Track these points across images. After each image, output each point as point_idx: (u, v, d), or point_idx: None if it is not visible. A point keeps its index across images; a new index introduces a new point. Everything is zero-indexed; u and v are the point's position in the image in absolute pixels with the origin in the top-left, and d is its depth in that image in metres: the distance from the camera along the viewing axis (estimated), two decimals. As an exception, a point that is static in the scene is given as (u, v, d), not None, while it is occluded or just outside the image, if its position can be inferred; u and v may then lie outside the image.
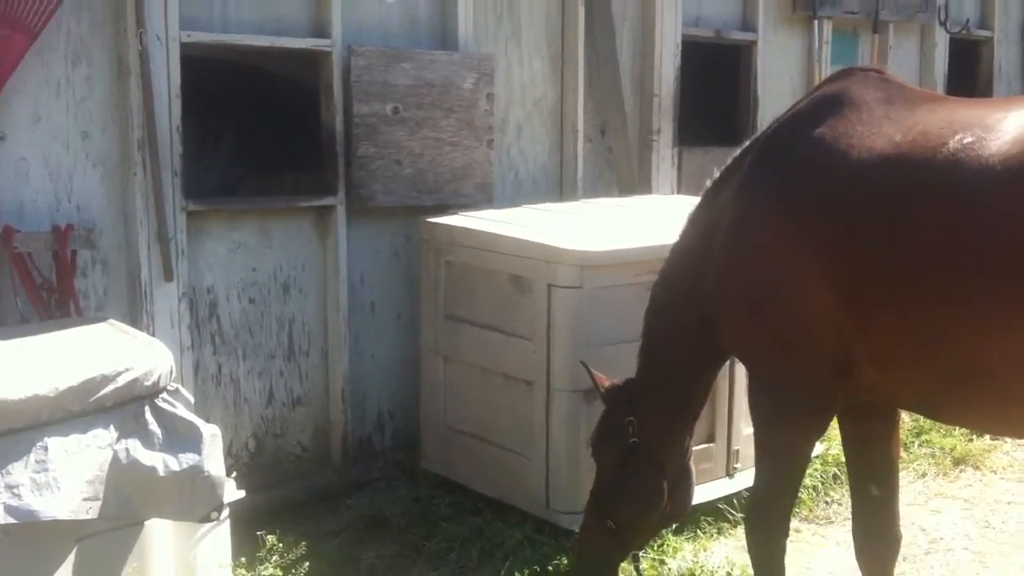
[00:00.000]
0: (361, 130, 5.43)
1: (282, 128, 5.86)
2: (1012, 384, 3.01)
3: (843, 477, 5.51)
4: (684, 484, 4.22)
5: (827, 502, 5.36)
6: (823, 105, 3.47)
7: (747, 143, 3.76)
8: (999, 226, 2.92)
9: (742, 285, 3.52)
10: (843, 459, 5.50)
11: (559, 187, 6.51)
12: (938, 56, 9.20)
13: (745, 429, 5.04)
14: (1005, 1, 9.99)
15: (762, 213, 3.46)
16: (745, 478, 5.15)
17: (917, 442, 6.03)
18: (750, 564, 4.47)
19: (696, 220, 3.88)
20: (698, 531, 4.91)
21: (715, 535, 4.94)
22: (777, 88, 7.82)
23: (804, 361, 3.41)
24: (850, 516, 5.13)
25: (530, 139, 6.40)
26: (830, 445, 5.74)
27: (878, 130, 3.26)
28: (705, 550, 4.76)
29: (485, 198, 5.92)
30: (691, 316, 3.79)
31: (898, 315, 3.14)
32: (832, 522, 5.19)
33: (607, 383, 4.14)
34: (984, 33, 9.79)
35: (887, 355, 3.25)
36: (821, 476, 5.45)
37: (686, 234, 3.92)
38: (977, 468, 5.81)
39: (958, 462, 5.85)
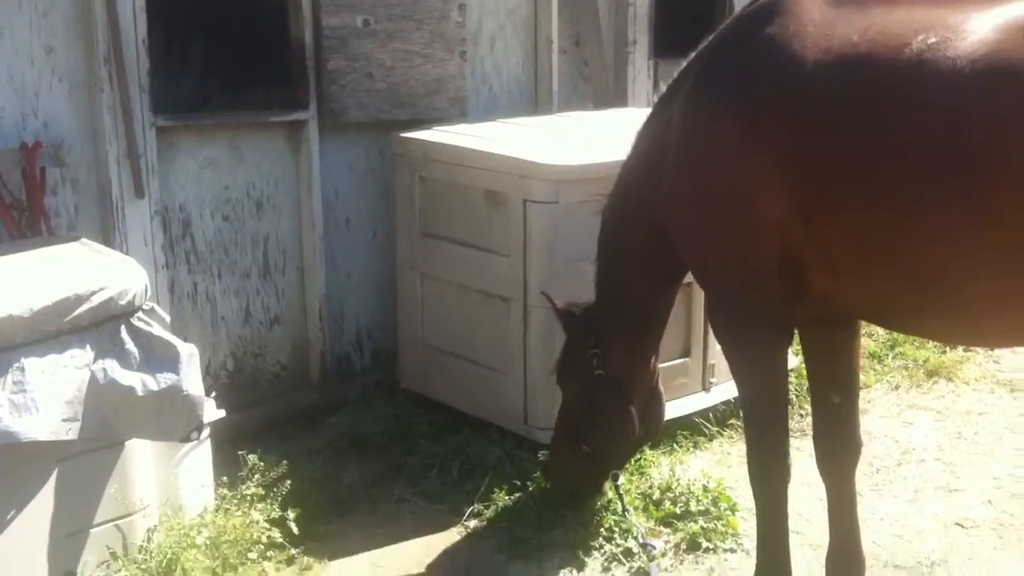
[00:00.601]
0: (331, 43, 5.32)
1: (251, 43, 5.73)
2: (971, 290, 2.98)
3: (817, 390, 5.58)
4: (655, 405, 4.23)
5: (801, 414, 5.40)
6: (771, 8, 3.36)
7: (692, 54, 3.69)
8: (968, 128, 2.87)
9: (695, 192, 3.44)
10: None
11: (534, 100, 6.43)
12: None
13: (721, 343, 5.07)
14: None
15: (713, 118, 3.38)
16: (721, 392, 5.20)
17: (891, 355, 6.09)
18: (726, 478, 4.58)
19: (644, 134, 3.80)
20: (674, 445, 4.96)
21: (691, 448, 4.99)
22: (753, -2, 7.70)
23: (756, 271, 3.34)
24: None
25: (503, 51, 6.30)
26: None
27: (831, 31, 3.18)
28: (681, 463, 4.81)
29: (459, 111, 5.84)
30: (646, 233, 3.73)
31: (857, 218, 3.08)
32: (807, 434, 5.19)
33: (567, 310, 4.11)
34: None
35: (845, 261, 3.19)
36: (796, 389, 5.47)
37: (635, 149, 3.84)
38: (950, 380, 5.88)
39: (931, 374, 5.92)
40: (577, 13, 6.60)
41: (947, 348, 6.09)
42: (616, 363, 4.05)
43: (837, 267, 3.21)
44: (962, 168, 2.88)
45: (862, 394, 5.60)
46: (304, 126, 5.36)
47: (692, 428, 5.06)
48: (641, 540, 4.13)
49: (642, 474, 4.66)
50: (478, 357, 5.05)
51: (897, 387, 5.81)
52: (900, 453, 5.06)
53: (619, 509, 4.31)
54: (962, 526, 4.40)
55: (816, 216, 3.15)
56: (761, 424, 3.56)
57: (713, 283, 3.59)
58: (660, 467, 4.74)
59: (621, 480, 4.35)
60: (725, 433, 5.17)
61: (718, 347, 5.09)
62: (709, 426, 5.11)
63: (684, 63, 3.67)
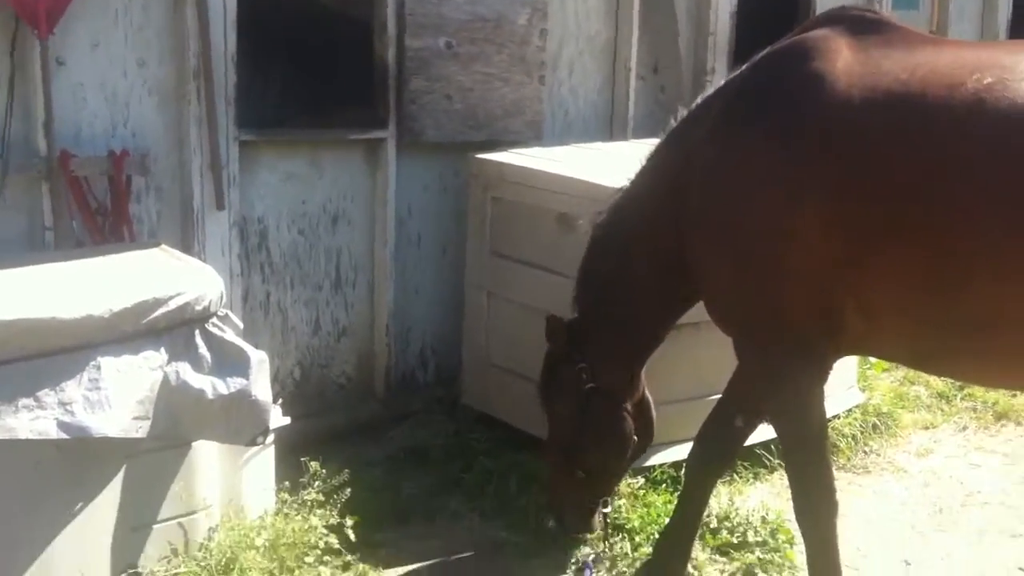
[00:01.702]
0: (413, 64, 5.43)
1: (334, 62, 5.87)
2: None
3: (883, 428, 5.53)
4: (646, 415, 4.13)
5: (865, 451, 5.36)
6: (815, 43, 3.30)
7: (712, 88, 3.62)
8: None
9: (726, 232, 3.37)
10: (883, 409, 5.59)
11: (609, 126, 6.48)
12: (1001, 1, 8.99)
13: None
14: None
15: (747, 154, 3.30)
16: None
17: (959, 395, 6.00)
18: (785, 510, 4.54)
19: (659, 161, 3.73)
20: (735, 476, 4.94)
21: (751, 480, 4.97)
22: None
23: (790, 313, 3.28)
24: (885, 466, 5.21)
25: (582, 76, 6.36)
26: (872, 396, 5.74)
27: (878, 69, 3.13)
28: (741, 494, 4.80)
29: (535, 135, 5.90)
30: (658, 262, 3.68)
31: (910, 262, 3.03)
32: (869, 472, 5.20)
33: (556, 324, 4.02)
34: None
35: (886, 305, 3.14)
36: (860, 425, 5.45)
37: (646, 175, 3.77)
38: (1019, 423, 5.77)
39: (1000, 416, 5.82)
40: (657, 40, 6.64)
41: (1017, 392, 5.98)
42: (607, 376, 3.94)
43: (879, 311, 3.16)
44: None
45: (929, 434, 5.58)
46: (382, 144, 5.47)
47: (752, 458, 5.04)
48: (582, 563, 4.12)
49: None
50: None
51: (964, 428, 5.72)
52: (964, 495, 4.99)
53: (599, 534, 4.24)
54: (1024, 572, 4.33)
55: (863, 260, 3.09)
56: (802, 461, 3.54)
57: (742, 323, 3.52)
58: (719, 496, 4.72)
59: (609, 508, 4.23)
60: (786, 466, 5.14)
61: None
62: (770, 458, 5.08)
63: (704, 96, 3.63)
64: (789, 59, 3.36)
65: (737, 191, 3.33)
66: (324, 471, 4.16)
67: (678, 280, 3.68)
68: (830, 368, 3.51)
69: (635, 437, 4.05)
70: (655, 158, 3.78)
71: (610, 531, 4.26)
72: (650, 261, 3.73)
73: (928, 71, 3.06)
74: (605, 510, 4.18)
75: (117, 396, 3.46)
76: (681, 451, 4.44)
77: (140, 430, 3.54)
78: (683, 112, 3.74)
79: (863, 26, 3.33)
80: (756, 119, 3.35)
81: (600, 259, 3.92)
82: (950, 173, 2.97)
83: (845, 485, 5.04)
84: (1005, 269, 2.92)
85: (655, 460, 4.81)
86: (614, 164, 5.18)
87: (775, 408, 3.58)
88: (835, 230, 3.12)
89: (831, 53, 3.24)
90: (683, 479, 4.03)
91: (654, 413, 4.21)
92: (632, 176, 3.89)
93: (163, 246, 4.39)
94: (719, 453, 3.86)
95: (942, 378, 5.64)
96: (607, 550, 4.24)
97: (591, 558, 4.18)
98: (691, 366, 4.70)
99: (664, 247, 3.65)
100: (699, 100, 3.66)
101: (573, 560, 4.24)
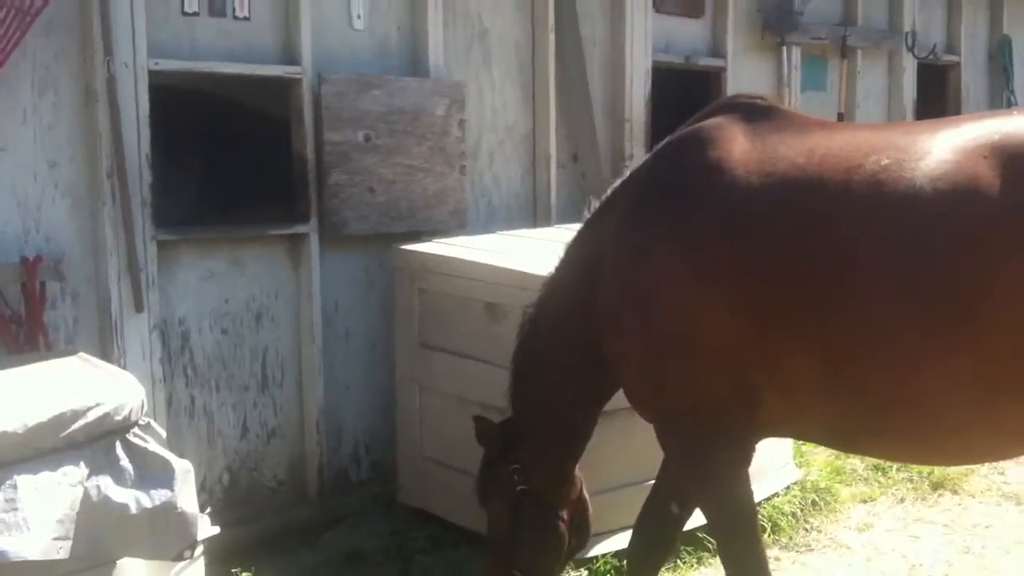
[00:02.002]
0: (332, 158, 5.39)
1: (251, 157, 5.80)
2: (942, 410, 2.95)
3: (822, 504, 5.51)
4: (582, 513, 4.09)
5: (806, 529, 5.32)
6: (711, 132, 3.35)
7: (627, 173, 3.67)
8: (935, 248, 2.86)
9: (635, 318, 3.39)
10: (821, 485, 5.58)
11: (533, 213, 6.49)
12: (906, 81, 9.31)
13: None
14: (971, 26, 10.12)
15: (652, 242, 3.34)
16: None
17: (895, 467, 6.01)
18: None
19: (575, 252, 3.76)
20: (678, 562, 4.86)
21: (695, 564, 4.89)
22: (748, 113, 7.83)
23: (706, 395, 3.27)
24: (827, 543, 5.18)
25: (503, 165, 6.38)
26: (809, 471, 5.74)
27: (775, 154, 3.18)
28: (686, 580, 4.72)
29: (458, 224, 5.89)
30: (578, 350, 3.67)
31: (814, 343, 3.04)
32: (812, 549, 5.16)
33: (485, 426, 4.00)
34: (951, 58, 9.92)
35: (798, 385, 3.14)
36: (800, 503, 5.42)
37: (564, 267, 3.80)
38: (955, 492, 5.80)
39: (936, 486, 5.84)
40: (575, 128, 6.71)
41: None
42: (540, 476, 3.90)
43: (795, 392, 3.16)
44: (928, 287, 2.86)
45: (867, 507, 5.58)
46: (305, 239, 5.39)
47: (695, 543, 4.96)
48: None
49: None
50: (477, 471, 4.97)
51: (903, 500, 5.73)
52: (908, 568, 4.97)
53: None
54: (974, 645, 4.30)
55: (770, 341, 3.10)
56: (732, 544, 3.48)
57: (660, 409, 3.50)
58: (664, 584, 4.64)
59: None
60: (729, 548, 5.07)
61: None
62: (712, 541, 5.00)
63: (612, 188, 3.66)
64: (687, 149, 3.41)
65: (645, 280, 3.35)
66: (257, 582, 4.00)
67: (597, 367, 3.66)
68: (752, 449, 3.48)
69: (569, 537, 3.99)
70: (571, 250, 3.80)
71: None
72: (571, 349, 3.71)
73: (824, 155, 3.10)
74: None
75: (35, 516, 3.27)
76: (623, 539, 4.36)
77: (61, 551, 3.34)
78: (595, 203, 3.76)
79: (755, 113, 3.39)
80: (659, 209, 3.39)
81: (525, 349, 3.91)
82: (848, 256, 2.99)
83: (789, 564, 4.99)
84: (904, 351, 2.93)
85: (597, 550, 4.71)
86: (540, 251, 5.17)
87: (700, 492, 3.56)
88: (741, 312, 3.13)
89: (727, 141, 3.29)
90: (626, 569, 3.96)
91: (591, 511, 4.15)
92: (554, 267, 3.88)
93: (81, 353, 4.22)
94: (659, 540, 3.84)
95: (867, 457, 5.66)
96: None
97: None
98: (628, 452, 4.64)
99: (583, 339, 3.64)
100: (608, 192, 3.70)
101: None
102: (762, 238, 3.10)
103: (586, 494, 4.14)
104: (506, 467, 3.93)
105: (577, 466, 4.06)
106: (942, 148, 2.95)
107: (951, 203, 2.86)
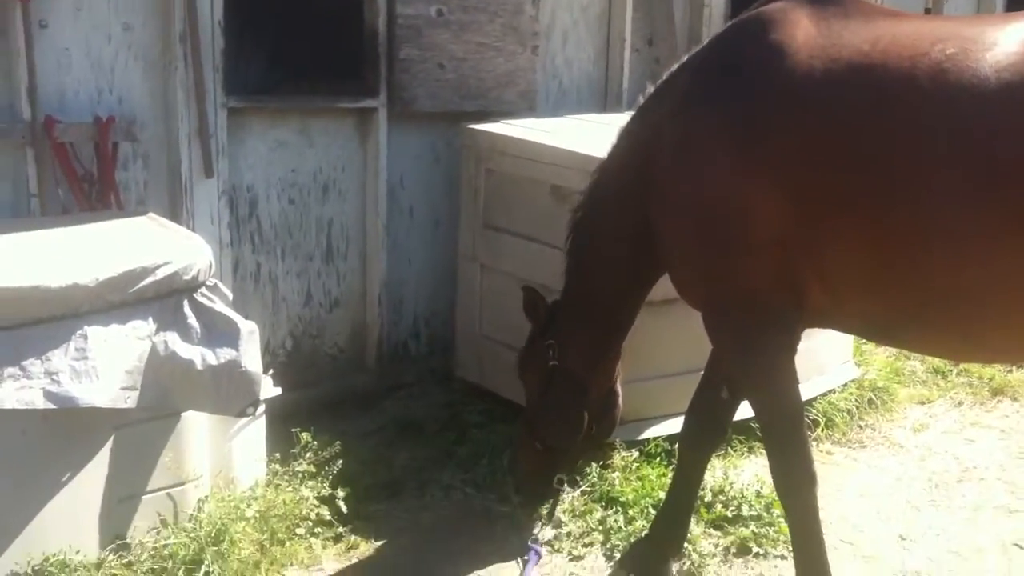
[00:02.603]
0: (404, 32, 5.34)
1: (324, 29, 5.77)
2: (989, 302, 2.92)
3: (878, 403, 5.50)
4: (610, 406, 4.11)
5: (860, 426, 5.33)
6: (775, 15, 3.26)
7: (684, 58, 3.58)
8: (998, 137, 2.80)
9: (689, 207, 3.34)
10: (879, 384, 5.56)
11: (604, 98, 6.41)
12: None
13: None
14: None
15: (708, 126, 3.28)
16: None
17: (955, 371, 5.96)
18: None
19: (630, 137, 3.70)
20: (729, 449, 4.90)
21: (746, 453, 4.93)
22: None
23: (753, 287, 3.25)
24: (880, 440, 5.19)
25: (575, 47, 6.28)
26: (867, 370, 5.71)
27: (839, 41, 3.10)
28: (735, 468, 4.76)
29: (528, 106, 5.83)
30: (626, 237, 3.66)
31: (867, 233, 3.00)
32: (865, 446, 5.17)
33: (534, 299, 4.05)
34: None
35: (847, 276, 3.12)
36: (856, 400, 5.41)
37: (617, 151, 3.75)
38: (1015, 399, 5.74)
39: (996, 392, 5.79)
40: (652, 11, 6.56)
41: (1013, 368, 5.95)
42: (573, 356, 3.94)
43: (840, 284, 3.14)
44: (992, 179, 2.81)
45: (924, 409, 5.56)
46: (373, 114, 5.39)
47: (747, 432, 4.99)
48: (529, 544, 4.09)
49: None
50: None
51: (960, 404, 5.69)
52: (960, 470, 4.96)
53: (548, 511, 4.23)
54: (1021, 547, 4.30)
55: (822, 231, 3.07)
56: (778, 435, 3.48)
57: (708, 298, 3.49)
58: (714, 470, 4.69)
59: (564, 489, 4.23)
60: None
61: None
62: (764, 432, 5.05)
63: (669, 72, 3.59)
64: (749, 32, 3.33)
65: (699, 166, 3.31)
66: (315, 442, 4.12)
67: (644, 254, 3.65)
68: (798, 338, 3.47)
69: (591, 423, 4.02)
70: (625, 134, 3.76)
71: (558, 513, 4.26)
72: (619, 236, 3.70)
73: (889, 42, 3.03)
74: (560, 489, 4.17)
75: (105, 366, 3.40)
76: (675, 424, 4.40)
77: (128, 400, 3.48)
78: (650, 88, 3.69)
79: None
80: (717, 93, 3.32)
81: (578, 233, 3.91)
82: (911, 144, 2.93)
83: (841, 459, 5.02)
84: (963, 240, 2.89)
85: (649, 433, 4.77)
86: (608, 136, 5.12)
87: (747, 381, 3.57)
88: (796, 205, 3.09)
89: (791, 25, 3.21)
90: (677, 453, 4.01)
91: (620, 406, 4.18)
92: (607, 152, 3.85)
93: (151, 214, 4.32)
94: (710, 425, 3.85)
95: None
96: (550, 530, 4.21)
97: (536, 540, 4.14)
98: (684, 341, 4.64)
99: (632, 223, 3.62)
100: (665, 75, 3.62)
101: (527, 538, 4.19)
102: (821, 125, 3.05)
103: (619, 388, 4.17)
104: (545, 341, 3.99)
105: (618, 364, 4.09)
106: (1009, 40, 2.87)
107: (1015, 95, 2.79)
